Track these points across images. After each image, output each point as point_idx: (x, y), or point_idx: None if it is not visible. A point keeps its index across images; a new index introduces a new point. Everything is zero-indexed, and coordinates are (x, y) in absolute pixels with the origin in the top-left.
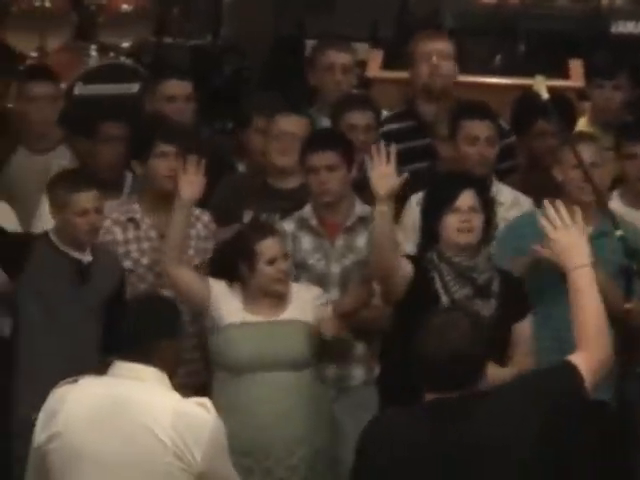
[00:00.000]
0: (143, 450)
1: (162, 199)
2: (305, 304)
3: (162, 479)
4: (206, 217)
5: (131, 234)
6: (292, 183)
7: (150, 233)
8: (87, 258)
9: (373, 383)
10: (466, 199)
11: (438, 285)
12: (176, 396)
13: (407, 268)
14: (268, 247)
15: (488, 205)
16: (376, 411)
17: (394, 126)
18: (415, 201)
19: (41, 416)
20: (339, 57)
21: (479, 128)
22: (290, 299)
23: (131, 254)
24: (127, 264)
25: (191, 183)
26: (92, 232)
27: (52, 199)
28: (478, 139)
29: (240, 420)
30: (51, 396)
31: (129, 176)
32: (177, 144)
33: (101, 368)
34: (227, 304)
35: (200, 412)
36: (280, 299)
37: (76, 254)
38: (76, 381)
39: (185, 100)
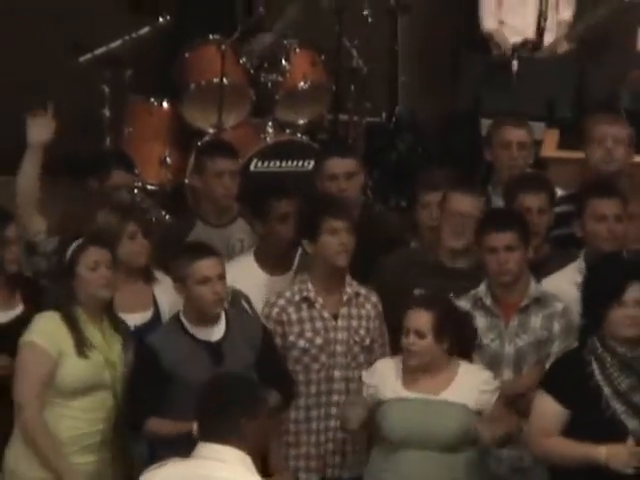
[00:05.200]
0: None
1: (334, 277)
2: (471, 387)
3: None
4: (374, 298)
5: (305, 313)
6: (464, 263)
7: (323, 313)
8: (218, 336)
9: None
10: (634, 293)
11: (599, 377)
12: (256, 478)
13: None
14: (408, 318)
15: None
16: None
17: (561, 209)
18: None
19: None
20: (516, 134)
21: (607, 206)
22: (454, 379)
23: (305, 334)
24: (301, 343)
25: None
26: (218, 301)
27: (175, 274)
28: (606, 217)
29: None
30: (141, 478)
31: (298, 253)
32: (346, 219)
33: None
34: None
35: None
36: (439, 376)
37: (205, 334)
38: (163, 464)
39: (347, 177)
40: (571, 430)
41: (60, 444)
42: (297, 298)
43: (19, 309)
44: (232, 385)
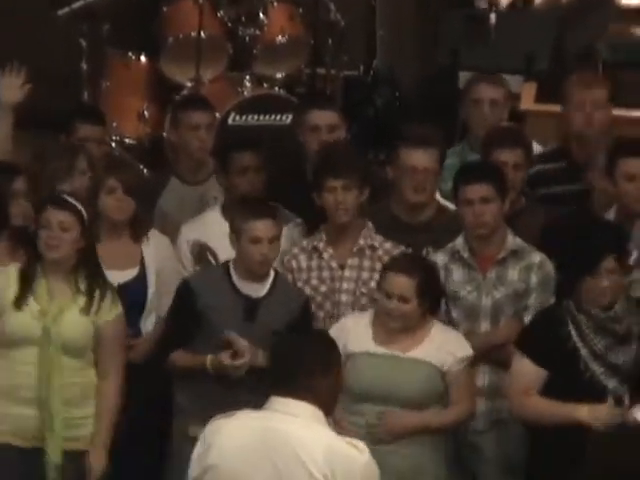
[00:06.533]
0: None
1: (342, 230)
2: (441, 348)
3: None
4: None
5: (314, 262)
6: (423, 217)
7: (331, 262)
8: (259, 293)
9: None
10: (607, 264)
11: (576, 339)
12: (331, 433)
13: None
14: (390, 282)
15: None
16: (525, 444)
17: (544, 167)
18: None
19: (197, 448)
20: (488, 91)
21: (638, 166)
22: (425, 338)
23: (311, 281)
24: (307, 290)
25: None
26: (264, 263)
27: (231, 225)
28: (636, 176)
29: None
30: (207, 429)
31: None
32: (344, 177)
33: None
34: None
35: (353, 453)
36: (410, 334)
37: (248, 288)
38: (233, 414)
39: (329, 130)
40: (549, 390)
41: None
42: (309, 247)
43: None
44: (310, 341)
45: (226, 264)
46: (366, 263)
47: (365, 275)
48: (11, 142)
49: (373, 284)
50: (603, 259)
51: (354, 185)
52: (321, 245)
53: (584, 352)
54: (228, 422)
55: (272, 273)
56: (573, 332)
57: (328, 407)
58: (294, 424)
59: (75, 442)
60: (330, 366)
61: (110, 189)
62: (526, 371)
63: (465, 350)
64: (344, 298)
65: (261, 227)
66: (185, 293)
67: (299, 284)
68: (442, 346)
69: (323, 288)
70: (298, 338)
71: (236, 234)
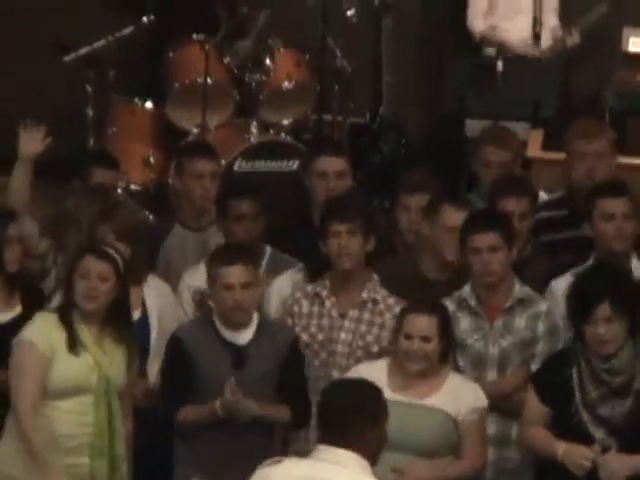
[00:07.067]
0: None
1: (345, 278)
2: (457, 398)
3: None
4: (399, 308)
5: (315, 309)
6: (446, 275)
7: (332, 311)
8: (245, 340)
9: (528, 464)
10: (602, 312)
11: (575, 381)
12: None
13: None
14: (411, 322)
15: (629, 313)
16: None
17: (548, 214)
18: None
19: None
20: (498, 155)
21: (615, 205)
22: (441, 386)
23: (310, 328)
24: (304, 337)
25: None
26: (238, 309)
27: (207, 273)
28: (614, 216)
29: None
30: (256, 475)
31: (267, 254)
32: (349, 222)
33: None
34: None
35: None
36: (426, 381)
37: (234, 336)
38: (280, 461)
39: (337, 177)
40: (552, 427)
41: (53, 443)
42: (312, 293)
43: (18, 310)
44: (360, 390)
45: (209, 313)
46: (366, 316)
47: (363, 328)
48: (29, 193)
49: (370, 338)
50: (596, 306)
51: (359, 230)
52: (324, 293)
53: (577, 397)
54: (276, 469)
55: (256, 318)
56: (575, 375)
57: (374, 457)
58: (340, 474)
59: None
60: (379, 416)
61: (102, 236)
62: (532, 404)
63: (481, 401)
64: (340, 348)
65: (233, 273)
66: (177, 347)
67: (297, 329)
68: (458, 395)
69: (320, 336)
70: (349, 386)
71: (211, 282)
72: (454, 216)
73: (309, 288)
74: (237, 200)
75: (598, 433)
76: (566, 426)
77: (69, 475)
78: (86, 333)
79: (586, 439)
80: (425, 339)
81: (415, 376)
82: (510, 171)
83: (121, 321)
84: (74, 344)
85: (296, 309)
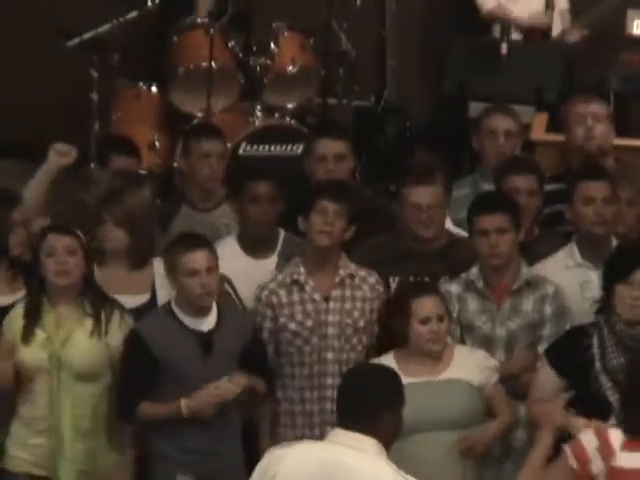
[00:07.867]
0: None
1: (323, 258)
2: (469, 365)
3: None
4: (373, 279)
5: (296, 296)
6: (436, 246)
7: (314, 295)
8: (209, 326)
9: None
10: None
11: (595, 350)
12: (393, 468)
13: None
14: (422, 306)
15: None
16: None
17: (551, 187)
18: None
19: (255, 476)
20: (503, 122)
21: (595, 189)
22: (452, 359)
23: (296, 316)
24: (292, 326)
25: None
26: (206, 294)
27: (166, 264)
28: (594, 199)
29: None
30: (267, 457)
31: (281, 237)
32: (339, 202)
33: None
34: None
35: None
36: (438, 360)
37: (197, 324)
38: (291, 445)
39: (336, 159)
40: (571, 403)
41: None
42: (288, 281)
43: (20, 293)
44: (379, 375)
45: (166, 306)
46: (348, 293)
47: (348, 306)
48: (45, 199)
49: (356, 314)
50: (636, 268)
51: (344, 215)
52: (302, 278)
53: (597, 365)
54: (290, 451)
55: (214, 304)
56: (595, 343)
57: (389, 443)
58: (358, 459)
59: (90, 475)
60: (397, 402)
61: (102, 221)
62: (546, 379)
63: (493, 362)
64: (331, 331)
65: (196, 258)
66: (137, 343)
67: (282, 319)
68: (470, 363)
69: (309, 322)
70: (368, 372)
71: (172, 272)
72: (418, 193)
73: (280, 277)
74: (255, 182)
75: (616, 401)
76: (585, 394)
77: (34, 455)
78: (50, 316)
79: (605, 407)
80: (440, 318)
81: (430, 357)
82: (514, 146)
83: (94, 296)
84: (27, 332)
85: (275, 299)
